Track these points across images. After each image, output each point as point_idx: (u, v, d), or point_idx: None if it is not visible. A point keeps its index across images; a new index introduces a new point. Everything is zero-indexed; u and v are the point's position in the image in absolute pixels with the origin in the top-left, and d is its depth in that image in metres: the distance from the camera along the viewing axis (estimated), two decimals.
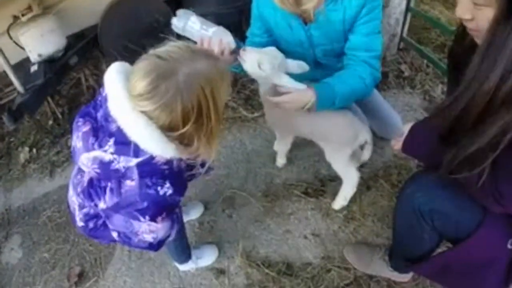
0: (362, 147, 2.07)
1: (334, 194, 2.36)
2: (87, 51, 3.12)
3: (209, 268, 2.20)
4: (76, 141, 1.39)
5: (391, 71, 3.10)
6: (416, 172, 1.71)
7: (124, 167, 1.29)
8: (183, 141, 1.30)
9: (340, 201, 2.30)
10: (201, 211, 2.43)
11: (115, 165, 1.29)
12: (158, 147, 1.25)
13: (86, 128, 1.37)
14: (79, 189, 1.52)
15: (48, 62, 2.84)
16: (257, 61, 1.72)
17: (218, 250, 2.25)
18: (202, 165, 1.56)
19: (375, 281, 2.04)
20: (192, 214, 2.41)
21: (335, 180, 2.43)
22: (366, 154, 2.11)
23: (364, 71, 1.88)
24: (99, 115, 1.36)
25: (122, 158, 1.28)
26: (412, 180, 1.59)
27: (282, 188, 2.50)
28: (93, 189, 1.49)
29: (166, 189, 1.36)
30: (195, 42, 1.69)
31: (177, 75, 1.19)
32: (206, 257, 2.21)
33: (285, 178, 2.55)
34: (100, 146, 1.30)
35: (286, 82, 1.78)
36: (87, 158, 1.34)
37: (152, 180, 1.34)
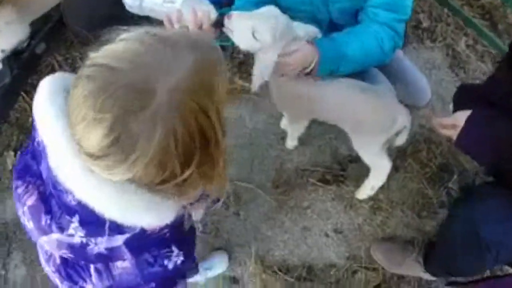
0: (397, 133, 1.73)
1: (357, 180, 2.09)
2: (55, 34, 2.67)
3: (221, 276, 1.98)
4: (24, 219, 0.97)
5: (407, 22, 2.62)
6: (481, 188, 1.44)
7: (107, 248, 0.90)
8: (184, 187, 0.84)
9: (367, 191, 2.01)
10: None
11: (93, 248, 0.90)
12: (149, 216, 0.83)
13: (31, 199, 0.93)
14: (52, 266, 1.14)
15: (14, 56, 2.39)
16: (250, 29, 1.34)
17: (227, 256, 2.00)
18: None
19: (405, 282, 1.92)
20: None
21: (357, 161, 2.11)
22: (400, 140, 1.78)
23: (383, 32, 1.56)
24: (43, 169, 0.91)
25: (100, 239, 0.89)
26: (478, 201, 1.38)
27: (295, 175, 2.17)
28: (71, 269, 1.10)
29: (176, 258, 1.01)
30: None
31: (155, 96, 0.69)
32: (216, 267, 1.97)
33: (298, 162, 2.21)
34: (61, 229, 0.89)
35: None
36: (48, 242, 0.95)
37: (153, 253, 0.97)
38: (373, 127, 1.69)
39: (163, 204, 0.83)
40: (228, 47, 2.49)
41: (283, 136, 2.23)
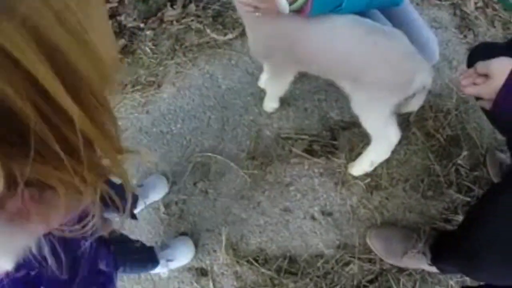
0: (413, 94, 1.39)
1: (350, 150, 1.80)
2: None
3: (186, 267, 1.70)
4: None
5: None
6: None
7: None
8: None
9: (364, 166, 1.69)
10: (165, 189, 1.77)
11: None
12: None
13: None
14: None
15: None
16: None
17: (194, 244, 1.70)
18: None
19: (406, 275, 1.66)
20: (152, 195, 1.74)
21: (351, 128, 1.83)
22: (415, 104, 1.46)
23: None
24: None
25: None
26: None
27: (275, 145, 1.83)
28: None
29: None
30: None
31: None
32: (179, 258, 1.67)
33: (278, 128, 1.86)
34: None
35: None
36: None
37: None
38: (383, 84, 1.34)
39: None
40: None
41: (261, 96, 1.87)
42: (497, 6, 2.24)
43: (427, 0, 2.26)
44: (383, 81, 1.32)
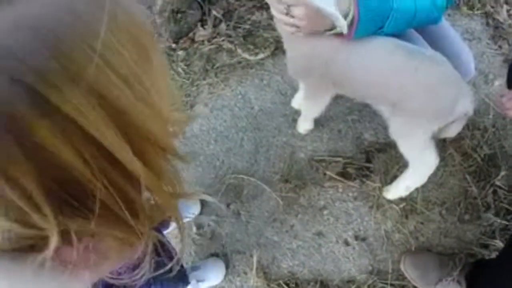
0: (454, 121, 1.35)
1: (385, 173, 1.76)
2: None
3: None
4: None
5: None
6: None
7: None
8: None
9: (399, 191, 1.65)
10: (198, 209, 1.77)
11: None
12: None
13: None
14: None
15: None
16: None
17: (225, 265, 1.69)
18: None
19: None
20: (184, 215, 1.74)
21: (386, 150, 1.78)
22: (454, 130, 1.41)
23: None
24: None
25: None
26: None
27: (309, 167, 1.80)
28: None
29: None
30: None
31: None
32: (210, 279, 1.66)
33: (312, 151, 1.83)
34: None
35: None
36: None
37: None
38: (424, 110, 1.29)
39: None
40: (233, 9, 2.13)
41: (295, 118, 1.85)
42: None
43: (458, 10, 2.18)
44: (424, 107, 1.28)
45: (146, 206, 0.45)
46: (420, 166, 1.51)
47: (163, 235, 0.63)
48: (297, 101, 1.83)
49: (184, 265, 1.62)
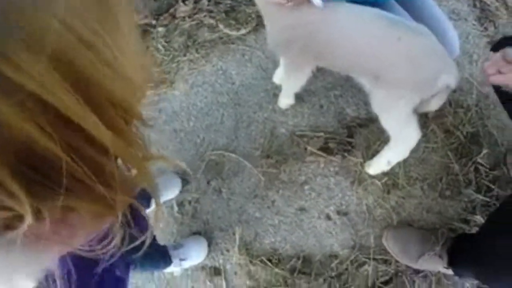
0: (436, 93, 1.35)
1: (367, 148, 1.75)
2: None
3: (200, 266, 1.69)
4: None
5: None
6: None
7: None
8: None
9: (381, 165, 1.64)
10: (179, 187, 1.74)
11: None
12: None
13: None
14: None
15: None
16: None
17: (207, 243, 1.68)
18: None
19: (422, 277, 1.62)
20: (166, 194, 1.72)
21: (368, 125, 1.77)
22: (436, 103, 1.40)
23: None
24: None
25: None
26: None
27: (290, 142, 1.79)
28: None
29: None
30: None
31: None
32: (193, 257, 1.66)
33: (293, 126, 1.82)
34: None
35: None
36: None
37: None
38: (406, 82, 1.28)
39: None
40: None
41: (276, 93, 1.83)
42: None
43: None
44: (406, 79, 1.28)
45: (117, 175, 0.42)
46: (401, 140, 1.51)
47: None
48: (278, 76, 1.81)
49: (167, 244, 1.60)
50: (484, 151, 1.76)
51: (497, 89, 1.30)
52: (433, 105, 1.41)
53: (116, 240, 0.50)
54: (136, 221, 0.57)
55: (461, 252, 1.47)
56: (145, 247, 0.64)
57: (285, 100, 1.79)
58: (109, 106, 0.38)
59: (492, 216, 1.41)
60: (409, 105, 1.34)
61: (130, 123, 0.44)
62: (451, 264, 1.49)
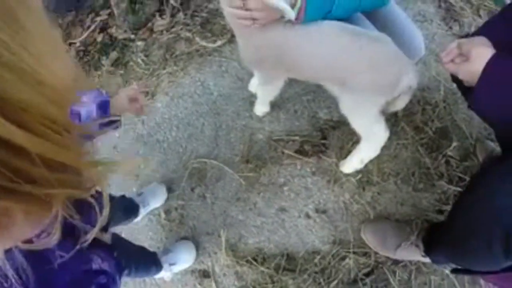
0: (399, 94, 1.40)
1: (340, 148, 1.80)
2: None
3: (189, 270, 1.74)
4: None
5: None
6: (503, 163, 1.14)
7: None
8: None
9: (354, 164, 1.70)
10: (165, 196, 1.81)
11: None
12: None
13: None
14: None
15: None
16: None
17: (195, 247, 1.74)
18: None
19: (401, 266, 1.65)
20: (153, 203, 1.77)
21: (340, 126, 1.83)
22: (401, 103, 1.46)
23: None
24: None
25: None
26: (501, 181, 1.05)
27: (268, 147, 1.85)
28: None
29: None
30: None
31: None
32: (182, 261, 1.70)
33: (270, 132, 1.88)
34: None
35: None
36: None
37: None
38: (370, 87, 1.34)
39: None
40: None
41: (252, 101, 1.90)
42: None
43: None
44: (370, 84, 1.33)
45: (46, 173, 0.41)
46: (371, 140, 1.56)
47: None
48: (253, 86, 1.88)
49: (156, 251, 1.66)
50: (454, 144, 1.81)
51: (455, 79, 1.39)
52: (399, 105, 1.48)
53: (56, 234, 0.50)
54: (85, 216, 0.56)
55: (435, 239, 1.51)
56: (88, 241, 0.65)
57: (261, 108, 1.85)
58: (20, 111, 0.38)
59: (457, 199, 1.47)
60: (375, 107, 1.40)
61: (59, 128, 0.43)
62: (427, 252, 1.53)
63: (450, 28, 2.12)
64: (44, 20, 0.46)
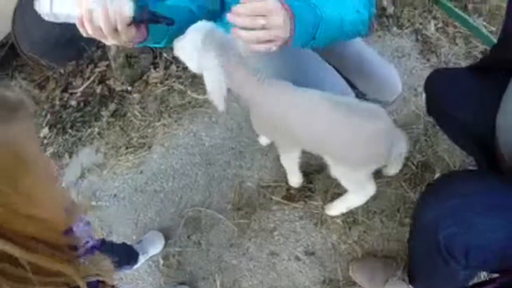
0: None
1: (325, 192, 1.87)
2: (9, 62, 2.65)
3: None
4: None
5: None
6: (442, 179, 1.28)
7: None
8: None
9: (340, 208, 1.77)
10: (162, 243, 1.90)
11: None
12: None
13: None
14: None
15: None
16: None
17: None
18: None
19: None
20: (152, 250, 1.87)
21: (324, 170, 1.87)
22: (394, 169, 1.55)
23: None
24: None
25: None
26: (435, 196, 1.11)
27: (257, 195, 1.94)
28: None
29: None
30: None
31: None
32: None
33: (259, 179, 1.97)
34: None
35: None
36: None
37: None
38: (364, 160, 1.37)
39: None
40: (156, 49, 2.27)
41: (241, 150, 2.00)
42: (457, 23, 2.27)
43: (388, 31, 2.30)
44: (363, 157, 1.36)
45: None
46: (358, 194, 1.62)
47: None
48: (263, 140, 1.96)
49: None
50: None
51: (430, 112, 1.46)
52: (392, 171, 1.56)
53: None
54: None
55: (413, 270, 1.56)
56: None
57: (294, 179, 1.86)
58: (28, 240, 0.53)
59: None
60: (366, 174, 1.46)
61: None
62: (412, 283, 1.57)
63: (428, 60, 2.19)
64: (49, 171, 0.59)
